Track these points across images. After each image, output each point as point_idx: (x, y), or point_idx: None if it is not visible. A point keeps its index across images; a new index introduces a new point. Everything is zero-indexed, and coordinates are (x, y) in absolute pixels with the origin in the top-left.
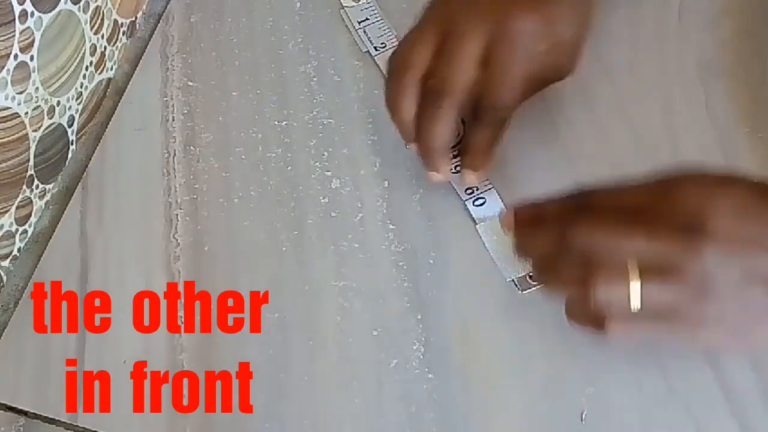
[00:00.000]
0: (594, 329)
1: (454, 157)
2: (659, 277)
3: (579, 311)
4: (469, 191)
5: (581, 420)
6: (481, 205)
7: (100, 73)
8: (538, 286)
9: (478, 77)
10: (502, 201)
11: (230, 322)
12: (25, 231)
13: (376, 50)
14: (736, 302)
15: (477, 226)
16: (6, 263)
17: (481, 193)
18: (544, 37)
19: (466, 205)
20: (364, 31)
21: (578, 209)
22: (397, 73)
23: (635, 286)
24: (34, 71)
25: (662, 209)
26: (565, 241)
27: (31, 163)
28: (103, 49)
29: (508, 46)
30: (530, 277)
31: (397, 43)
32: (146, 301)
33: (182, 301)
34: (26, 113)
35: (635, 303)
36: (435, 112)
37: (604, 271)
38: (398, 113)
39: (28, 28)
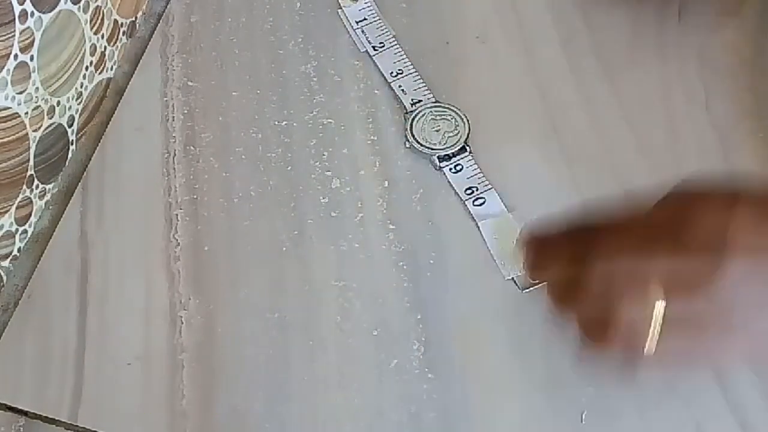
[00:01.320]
0: (618, 356)
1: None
2: (685, 294)
3: (598, 337)
4: (469, 191)
5: (581, 420)
6: (481, 205)
7: (100, 73)
8: (538, 286)
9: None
10: (502, 201)
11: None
12: (25, 231)
13: (375, 50)
14: (763, 311)
15: (478, 224)
16: (6, 263)
17: (481, 193)
18: None
19: (466, 205)
20: (363, 31)
21: (595, 232)
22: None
23: (660, 305)
24: (34, 71)
25: (681, 230)
26: (584, 267)
27: (31, 163)
28: (103, 49)
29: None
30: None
31: (395, 42)
32: (146, 301)
33: (182, 301)
34: (26, 113)
35: (660, 321)
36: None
37: (628, 293)
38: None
39: (28, 28)
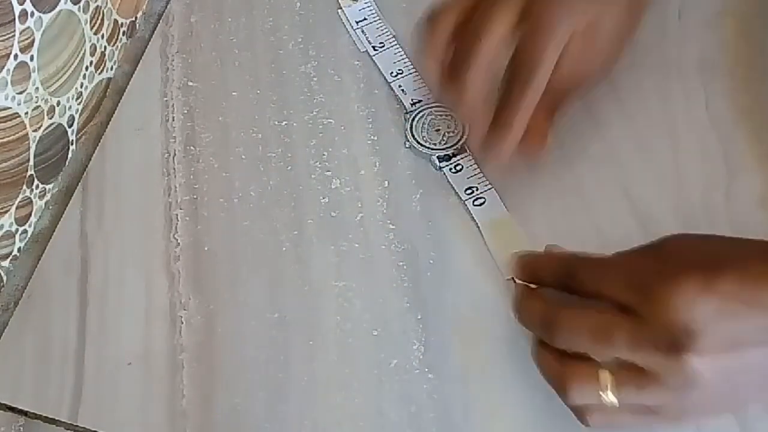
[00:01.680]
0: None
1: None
2: (636, 384)
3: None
4: (469, 191)
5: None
6: (481, 205)
7: (100, 73)
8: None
9: (515, 31)
10: (502, 201)
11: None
12: (25, 231)
13: (375, 50)
14: (718, 396)
15: (478, 224)
16: (6, 263)
17: (482, 193)
18: (587, 14)
19: (466, 205)
20: (362, 31)
21: (569, 290)
22: (434, 18)
23: (607, 394)
24: (34, 71)
25: (648, 313)
26: (551, 331)
27: (31, 163)
28: (103, 49)
29: (549, 3)
30: None
31: (395, 42)
32: (146, 301)
33: (182, 301)
34: (26, 113)
35: (611, 405)
36: (472, 51)
37: (578, 377)
38: (432, 54)
39: (28, 28)
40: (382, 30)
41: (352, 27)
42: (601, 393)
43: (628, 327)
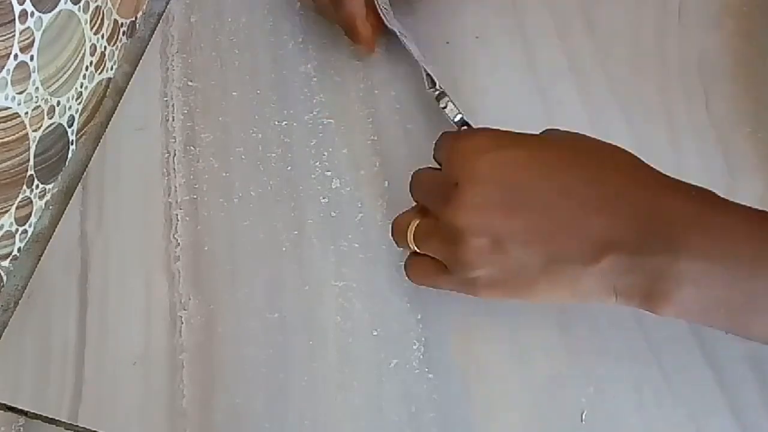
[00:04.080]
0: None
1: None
2: (426, 231)
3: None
4: None
5: (581, 420)
6: None
7: (100, 73)
8: None
9: None
10: None
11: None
12: (25, 231)
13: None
14: (483, 260)
15: None
16: (6, 263)
17: None
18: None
19: None
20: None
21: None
22: None
23: (411, 242)
24: (34, 71)
25: (444, 170)
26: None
27: (31, 163)
28: (103, 49)
29: None
30: None
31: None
32: (146, 301)
33: (182, 301)
34: (26, 113)
35: (412, 250)
36: None
37: (397, 225)
38: None
39: (28, 28)
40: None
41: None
42: (408, 238)
43: (431, 176)
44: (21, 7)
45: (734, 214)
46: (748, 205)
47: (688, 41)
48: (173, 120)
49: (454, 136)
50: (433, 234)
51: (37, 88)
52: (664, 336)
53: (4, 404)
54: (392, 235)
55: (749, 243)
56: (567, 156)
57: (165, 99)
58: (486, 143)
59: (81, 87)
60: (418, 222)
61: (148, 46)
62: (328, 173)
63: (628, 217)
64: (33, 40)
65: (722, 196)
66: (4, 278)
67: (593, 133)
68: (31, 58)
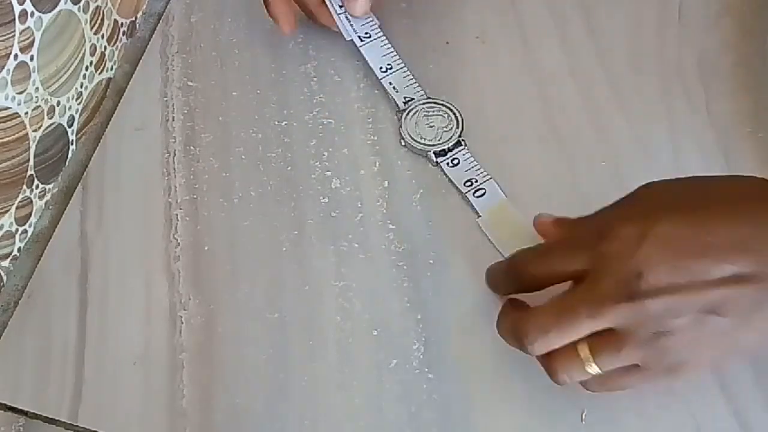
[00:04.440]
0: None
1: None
2: (611, 349)
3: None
4: (468, 184)
5: (581, 420)
6: (481, 196)
7: (100, 73)
8: None
9: None
10: (501, 190)
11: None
12: (25, 231)
13: (361, 41)
14: (693, 342)
15: (478, 219)
16: (6, 263)
17: (481, 184)
18: None
19: (467, 199)
20: (347, 18)
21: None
22: None
23: (591, 366)
24: (34, 71)
25: (599, 268)
26: (524, 342)
27: (31, 163)
28: (103, 49)
29: None
30: None
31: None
32: (146, 301)
33: (182, 301)
34: (26, 113)
35: (597, 374)
36: None
37: (560, 360)
38: None
39: (28, 28)
40: (367, 19)
41: (335, 12)
42: (585, 367)
43: (584, 294)
44: (21, 7)
45: None
46: None
47: (688, 41)
48: (173, 120)
49: (589, 242)
50: (624, 342)
51: (37, 88)
52: None
53: (4, 404)
54: (553, 376)
55: None
56: (710, 202)
57: (165, 99)
58: (630, 229)
59: (81, 87)
60: (584, 344)
61: (148, 46)
62: (328, 173)
63: None
64: (33, 40)
65: None
66: (4, 278)
67: (593, 133)
68: (31, 58)
